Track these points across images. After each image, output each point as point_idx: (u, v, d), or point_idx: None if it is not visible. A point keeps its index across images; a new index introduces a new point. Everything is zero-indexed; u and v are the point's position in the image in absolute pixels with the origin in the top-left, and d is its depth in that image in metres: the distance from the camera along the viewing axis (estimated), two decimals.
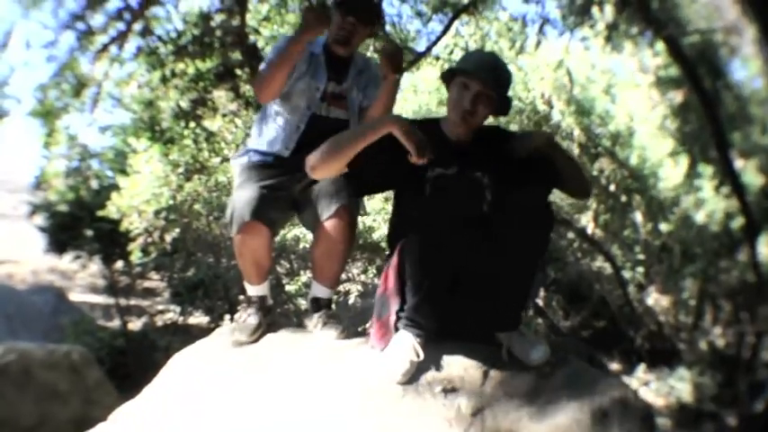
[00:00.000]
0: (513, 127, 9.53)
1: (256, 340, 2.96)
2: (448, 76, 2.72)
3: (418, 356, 2.43)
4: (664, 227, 11.17)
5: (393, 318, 2.56)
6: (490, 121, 2.81)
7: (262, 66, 3.22)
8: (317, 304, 3.08)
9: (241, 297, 2.94)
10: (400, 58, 3.02)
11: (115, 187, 9.66)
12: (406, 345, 2.45)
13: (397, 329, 2.55)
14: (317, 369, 2.58)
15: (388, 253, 2.86)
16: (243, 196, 2.91)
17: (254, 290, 3.16)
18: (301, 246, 8.10)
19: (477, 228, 2.46)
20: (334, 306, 3.27)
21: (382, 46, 3.10)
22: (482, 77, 2.59)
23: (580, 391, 2.39)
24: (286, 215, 3.22)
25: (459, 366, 2.47)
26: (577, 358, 2.73)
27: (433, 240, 2.42)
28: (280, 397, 2.49)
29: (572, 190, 2.91)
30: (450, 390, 2.38)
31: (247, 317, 3.07)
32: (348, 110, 3.17)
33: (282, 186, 3.03)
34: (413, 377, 2.40)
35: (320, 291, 3.11)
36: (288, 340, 2.94)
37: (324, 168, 2.64)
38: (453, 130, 2.68)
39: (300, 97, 3.10)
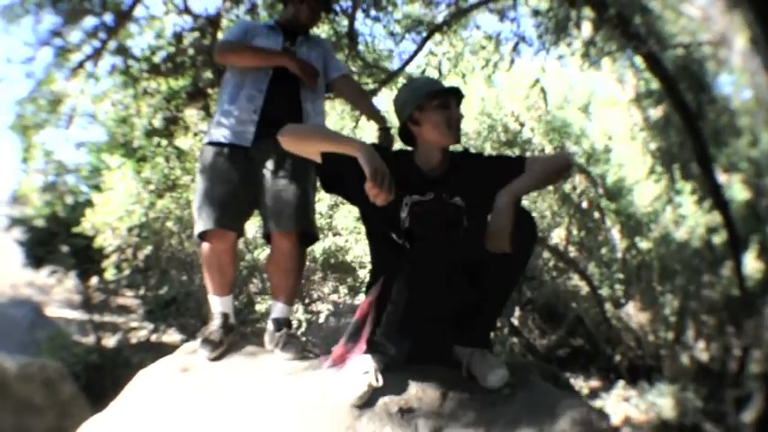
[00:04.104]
0: (487, 145, 9.55)
1: (218, 358, 3.00)
2: (409, 115, 2.71)
3: (377, 381, 2.41)
4: (642, 244, 11.16)
5: (362, 347, 2.55)
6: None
7: (229, 36, 3.51)
8: (278, 324, 3.17)
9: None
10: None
11: (90, 203, 9.68)
12: (367, 368, 2.44)
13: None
14: (275, 390, 2.58)
15: (369, 281, 2.86)
16: (210, 203, 3.14)
17: (217, 304, 3.25)
18: None
19: (456, 256, 2.51)
20: (304, 325, 3.36)
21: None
22: (450, 89, 2.69)
23: (540, 414, 2.38)
24: (249, 213, 3.37)
25: (416, 387, 2.46)
26: (540, 379, 2.71)
27: (415, 277, 2.45)
28: (237, 418, 2.49)
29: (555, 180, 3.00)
30: (407, 410, 2.37)
31: (209, 334, 3.09)
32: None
33: (247, 181, 3.19)
34: (369, 400, 2.38)
35: (279, 310, 3.24)
36: (248, 360, 2.98)
37: (290, 144, 2.69)
38: (433, 158, 2.71)
39: None
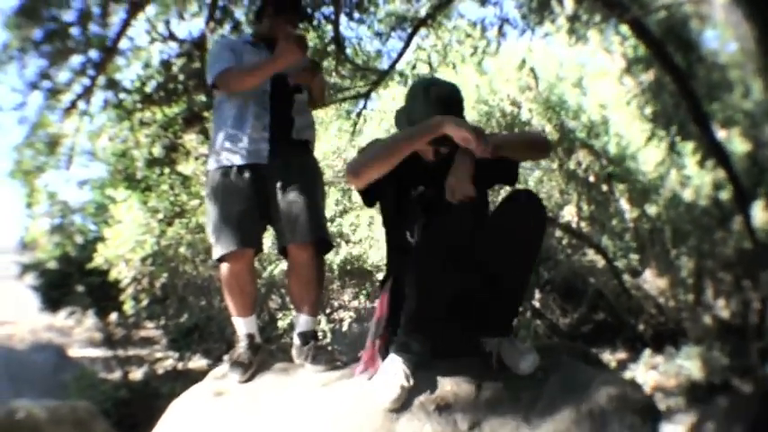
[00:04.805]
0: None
1: (249, 379, 2.99)
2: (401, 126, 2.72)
3: (408, 381, 2.42)
4: (652, 210, 11.15)
5: (378, 342, 2.59)
6: None
7: (219, 66, 3.26)
8: (304, 337, 3.14)
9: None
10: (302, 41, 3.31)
11: (99, 240, 9.70)
12: (396, 370, 2.44)
13: (387, 354, 2.55)
14: (310, 403, 2.59)
15: (383, 279, 2.89)
16: (225, 224, 3.11)
17: (242, 326, 3.24)
18: None
19: (468, 245, 2.47)
20: (328, 335, 3.33)
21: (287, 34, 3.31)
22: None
23: (576, 393, 2.40)
24: (264, 229, 3.34)
25: (450, 383, 2.46)
26: (571, 358, 2.72)
27: (427, 267, 2.43)
28: None
29: (531, 154, 2.93)
30: (443, 407, 2.37)
31: (237, 357, 3.09)
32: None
33: (258, 197, 3.17)
34: (405, 402, 2.38)
35: (304, 323, 3.21)
36: (280, 377, 2.97)
37: (371, 170, 2.60)
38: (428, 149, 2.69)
39: None
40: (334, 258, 8.20)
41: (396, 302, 2.58)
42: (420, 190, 2.62)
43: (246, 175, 3.16)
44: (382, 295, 2.74)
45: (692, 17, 9.67)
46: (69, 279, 12.15)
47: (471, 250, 2.48)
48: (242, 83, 3.20)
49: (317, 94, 3.48)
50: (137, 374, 11.50)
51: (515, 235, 2.46)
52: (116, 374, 11.82)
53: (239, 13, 7.13)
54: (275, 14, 3.41)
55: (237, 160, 3.18)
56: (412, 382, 2.42)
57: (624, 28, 9.26)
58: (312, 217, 3.12)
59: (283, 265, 7.86)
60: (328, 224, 3.68)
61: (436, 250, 2.42)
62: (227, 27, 7.12)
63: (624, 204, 11.03)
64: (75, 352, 13.88)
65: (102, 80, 7.41)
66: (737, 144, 10.59)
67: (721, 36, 9.76)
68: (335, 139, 8.85)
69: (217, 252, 3.15)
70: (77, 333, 14.73)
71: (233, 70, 3.22)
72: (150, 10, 7.33)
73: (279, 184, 3.15)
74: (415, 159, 2.67)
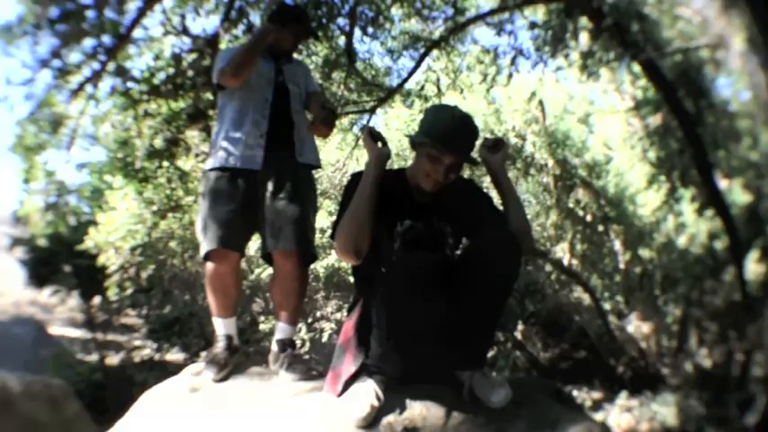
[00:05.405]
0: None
1: (223, 379, 3.02)
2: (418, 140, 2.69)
3: (379, 401, 2.43)
4: (645, 253, 11.15)
5: (349, 368, 2.57)
6: None
7: (222, 64, 3.37)
8: (282, 345, 3.18)
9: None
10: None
11: (92, 223, 9.71)
12: (367, 389, 2.46)
13: (353, 379, 2.55)
14: (280, 412, 2.59)
15: (350, 305, 2.90)
16: (213, 223, 3.15)
17: (221, 326, 3.28)
18: None
19: (442, 276, 2.48)
20: (307, 344, 3.35)
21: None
22: (455, 151, 2.60)
23: (543, 430, 2.40)
24: (251, 233, 3.38)
25: (420, 406, 2.46)
26: (544, 395, 2.72)
27: (401, 295, 2.42)
28: None
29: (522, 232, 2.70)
30: (411, 429, 2.38)
31: (214, 356, 3.12)
32: (286, 79, 3.48)
33: (250, 202, 3.22)
34: (373, 421, 2.39)
35: (282, 330, 3.25)
36: (253, 381, 2.98)
37: (360, 237, 2.59)
38: (421, 190, 2.70)
39: (260, 77, 3.38)
40: (316, 266, 8.16)
41: (365, 329, 2.58)
42: (407, 224, 2.63)
43: (240, 180, 3.22)
44: (348, 321, 2.75)
45: (708, 62, 9.68)
46: (58, 258, 12.21)
47: (444, 280, 2.49)
48: (235, 76, 3.27)
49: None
50: (113, 360, 11.51)
51: (487, 270, 2.45)
52: (93, 357, 11.82)
53: (254, 16, 7.15)
54: (281, 27, 3.46)
55: (232, 163, 3.23)
56: (382, 401, 2.44)
57: (637, 68, 9.25)
58: (299, 227, 3.16)
59: (270, 269, 7.87)
60: (319, 235, 3.70)
61: (408, 276, 2.41)
62: (240, 27, 7.14)
63: (618, 246, 11.03)
64: (55, 330, 13.91)
65: (111, 66, 7.40)
66: (738, 194, 10.59)
67: (735, 84, 9.75)
68: (337, 151, 8.86)
69: (202, 249, 3.20)
70: (59, 311, 14.76)
71: (229, 63, 3.29)
72: (167, 2, 7.36)
73: (270, 191, 3.21)
74: (406, 187, 2.72)
